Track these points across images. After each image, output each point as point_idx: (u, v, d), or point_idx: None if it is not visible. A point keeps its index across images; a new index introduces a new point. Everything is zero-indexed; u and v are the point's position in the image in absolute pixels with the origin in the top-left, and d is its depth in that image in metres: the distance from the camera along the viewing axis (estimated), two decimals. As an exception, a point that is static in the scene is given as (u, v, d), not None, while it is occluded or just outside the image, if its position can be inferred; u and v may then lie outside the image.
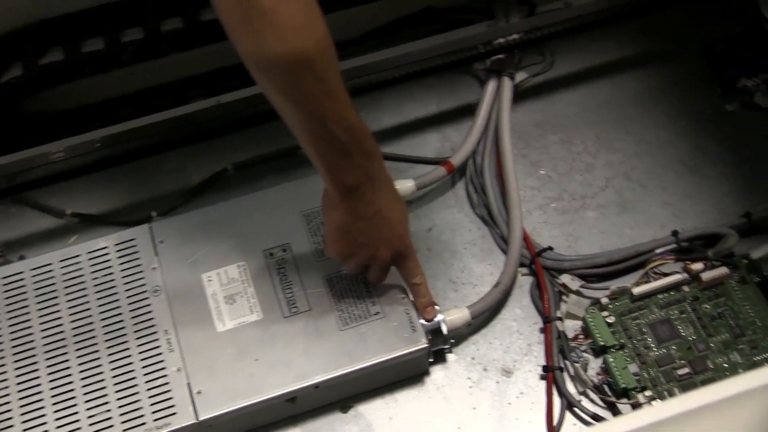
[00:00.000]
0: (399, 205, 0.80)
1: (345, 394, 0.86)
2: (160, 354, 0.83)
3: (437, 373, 0.88)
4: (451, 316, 0.86)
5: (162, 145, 0.98)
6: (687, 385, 0.85)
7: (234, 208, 0.91)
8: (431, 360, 0.87)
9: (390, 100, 1.06)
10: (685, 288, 0.90)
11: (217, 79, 1.02)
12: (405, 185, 0.94)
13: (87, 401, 0.80)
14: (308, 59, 0.65)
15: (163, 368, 0.82)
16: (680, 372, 0.85)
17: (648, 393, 0.84)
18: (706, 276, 0.89)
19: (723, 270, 0.89)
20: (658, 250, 0.92)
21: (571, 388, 0.86)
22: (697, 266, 0.90)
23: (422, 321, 0.84)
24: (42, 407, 0.80)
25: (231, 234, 0.89)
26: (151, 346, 0.83)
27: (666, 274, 0.90)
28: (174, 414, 0.79)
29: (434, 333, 0.85)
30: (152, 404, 0.80)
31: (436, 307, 0.85)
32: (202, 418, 0.79)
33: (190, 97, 1.02)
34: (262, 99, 0.98)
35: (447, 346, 0.87)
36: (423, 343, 0.83)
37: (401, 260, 0.82)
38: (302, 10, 0.64)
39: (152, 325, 0.84)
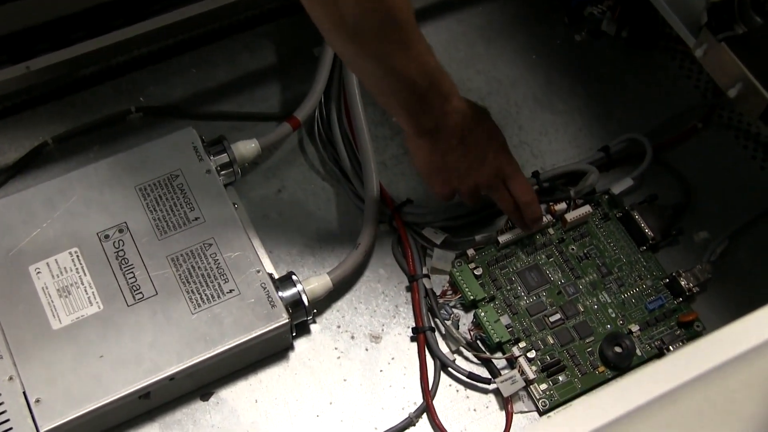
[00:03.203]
0: (485, 125, 0.79)
1: (204, 381, 0.79)
2: (-14, 363, 0.73)
3: (302, 346, 0.82)
4: (310, 285, 0.80)
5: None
6: (560, 331, 0.82)
7: (59, 188, 0.81)
8: (294, 334, 0.81)
9: (223, 53, 0.97)
10: (550, 231, 0.87)
11: (23, 42, 0.90)
12: (247, 146, 0.87)
13: None
14: (393, 16, 0.66)
15: (-8, 379, 0.73)
16: (552, 319, 0.83)
17: (522, 344, 0.81)
18: (570, 216, 0.86)
19: (586, 208, 0.87)
20: (520, 194, 0.88)
21: (443, 347, 0.82)
22: (561, 207, 0.87)
23: (280, 294, 0.78)
24: None
25: (58, 218, 0.80)
26: (-25, 355, 0.73)
27: (530, 218, 0.87)
28: (10, 429, 0.71)
29: (294, 305, 0.79)
30: (-17, 421, 0.71)
31: (294, 278, 0.79)
32: (43, 429, 0.71)
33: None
34: (80, 62, 0.90)
35: (310, 317, 0.81)
36: (284, 319, 0.77)
37: (507, 180, 0.81)
38: None
39: (-26, 332, 0.74)
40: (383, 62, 0.70)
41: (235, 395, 0.80)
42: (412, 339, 0.83)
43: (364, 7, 0.65)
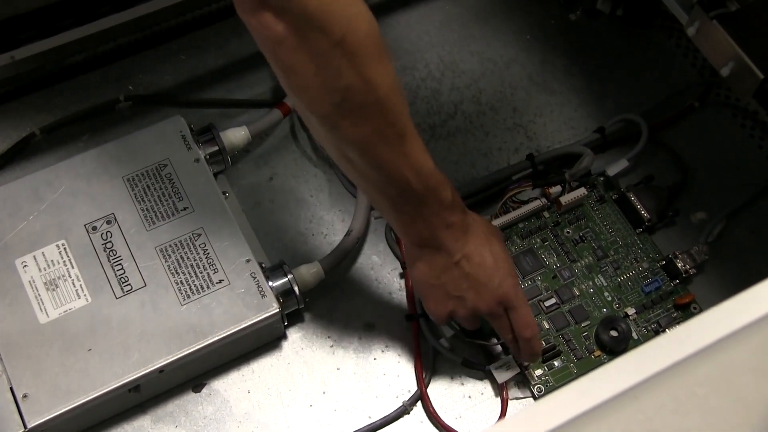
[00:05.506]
0: (493, 247, 0.71)
1: (195, 372, 0.78)
2: (-28, 359, 0.72)
3: (294, 335, 0.81)
4: (302, 273, 0.79)
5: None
6: (555, 316, 0.81)
7: (45, 179, 0.80)
8: (286, 323, 0.80)
9: (212, 38, 0.96)
10: (545, 214, 0.86)
11: (8, 31, 0.89)
12: (237, 134, 0.85)
13: None
14: (379, 99, 0.59)
15: (-21, 375, 0.72)
16: (547, 303, 0.82)
17: (517, 330, 0.80)
18: (565, 199, 0.85)
19: (581, 191, 0.86)
20: (515, 177, 0.87)
21: (437, 334, 0.81)
22: (555, 190, 0.86)
23: (271, 283, 0.77)
24: None
25: (45, 210, 0.79)
26: (-39, 351, 0.73)
27: (525, 202, 0.86)
28: (-3, 425, 0.70)
29: (285, 295, 0.78)
30: (-30, 418, 0.70)
31: (285, 267, 0.78)
32: (31, 425, 0.70)
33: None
34: (67, 51, 0.89)
35: (302, 306, 0.80)
36: (274, 309, 0.76)
37: (509, 311, 0.72)
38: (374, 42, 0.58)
39: (-39, 327, 0.74)
40: (367, 152, 0.62)
41: (228, 386, 0.79)
42: (406, 326, 0.82)
43: (345, 81, 0.58)
